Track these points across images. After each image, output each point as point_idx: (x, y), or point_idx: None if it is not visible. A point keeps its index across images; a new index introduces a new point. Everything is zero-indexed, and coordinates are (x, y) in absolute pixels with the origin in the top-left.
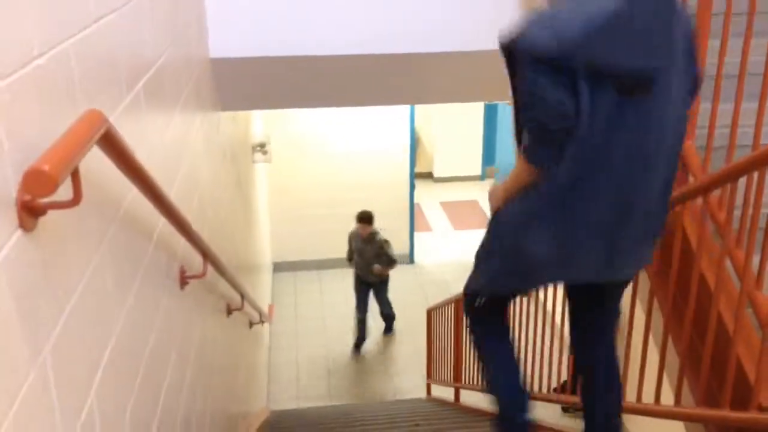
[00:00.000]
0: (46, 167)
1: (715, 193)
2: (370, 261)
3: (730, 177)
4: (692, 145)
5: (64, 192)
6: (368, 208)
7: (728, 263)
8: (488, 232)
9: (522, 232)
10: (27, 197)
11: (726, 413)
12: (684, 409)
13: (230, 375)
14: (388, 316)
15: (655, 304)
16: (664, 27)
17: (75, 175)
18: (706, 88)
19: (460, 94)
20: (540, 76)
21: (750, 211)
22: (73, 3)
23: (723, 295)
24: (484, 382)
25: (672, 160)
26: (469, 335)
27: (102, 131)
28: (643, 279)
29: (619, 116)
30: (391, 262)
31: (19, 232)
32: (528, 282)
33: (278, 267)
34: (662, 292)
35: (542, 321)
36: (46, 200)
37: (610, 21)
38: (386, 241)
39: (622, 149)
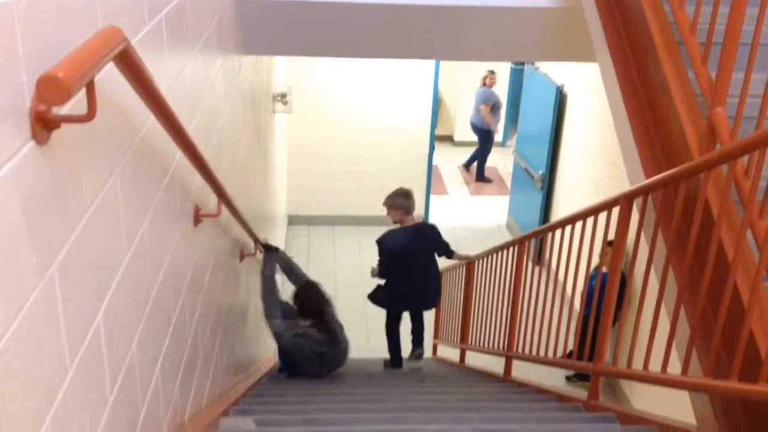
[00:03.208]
0: (60, 74)
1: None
2: (429, 265)
3: (758, 144)
4: (722, 112)
5: (80, 109)
6: (386, 166)
7: (749, 234)
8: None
9: (388, 290)
10: (41, 108)
11: (733, 384)
12: (691, 378)
13: (240, 319)
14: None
15: (671, 273)
16: (417, 240)
17: (90, 88)
18: (740, 57)
19: (489, 51)
20: (383, 253)
21: None
22: None
23: (741, 267)
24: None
25: (428, 265)
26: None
27: (120, 48)
28: (660, 247)
29: (405, 263)
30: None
31: (31, 143)
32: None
33: (293, 220)
34: (678, 261)
35: (553, 290)
36: (60, 113)
37: (403, 242)
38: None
39: (406, 271)
